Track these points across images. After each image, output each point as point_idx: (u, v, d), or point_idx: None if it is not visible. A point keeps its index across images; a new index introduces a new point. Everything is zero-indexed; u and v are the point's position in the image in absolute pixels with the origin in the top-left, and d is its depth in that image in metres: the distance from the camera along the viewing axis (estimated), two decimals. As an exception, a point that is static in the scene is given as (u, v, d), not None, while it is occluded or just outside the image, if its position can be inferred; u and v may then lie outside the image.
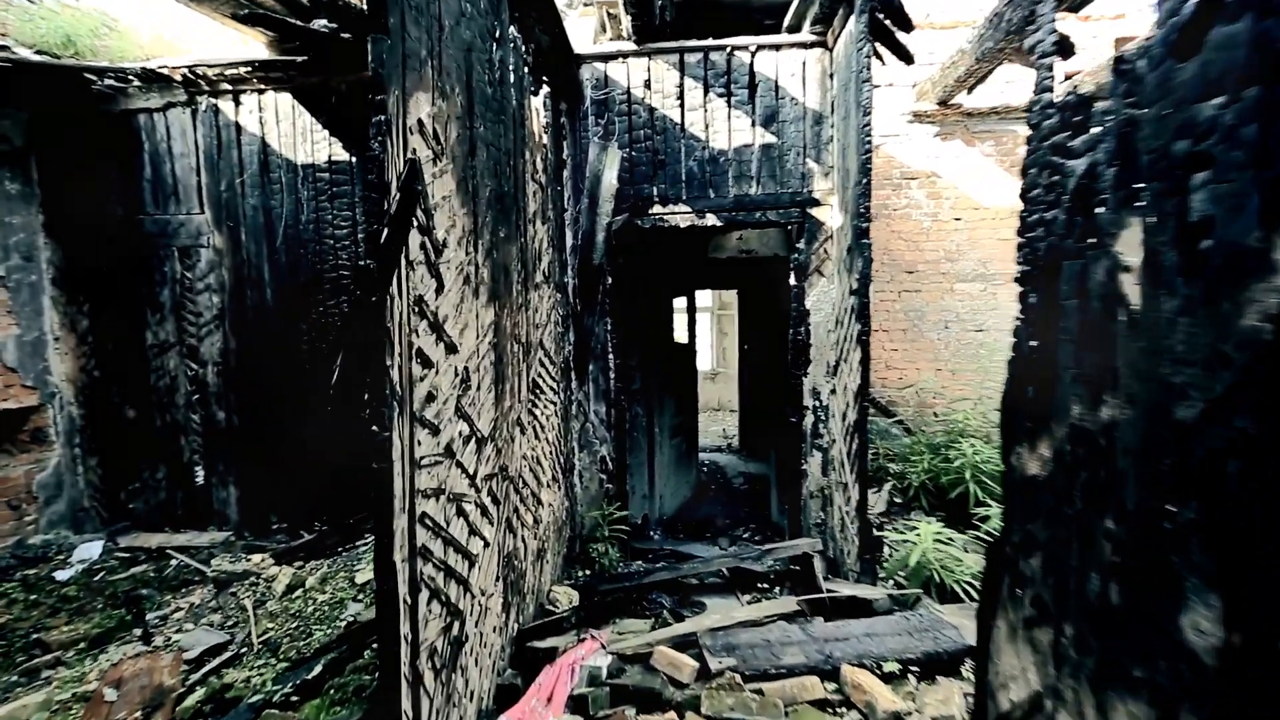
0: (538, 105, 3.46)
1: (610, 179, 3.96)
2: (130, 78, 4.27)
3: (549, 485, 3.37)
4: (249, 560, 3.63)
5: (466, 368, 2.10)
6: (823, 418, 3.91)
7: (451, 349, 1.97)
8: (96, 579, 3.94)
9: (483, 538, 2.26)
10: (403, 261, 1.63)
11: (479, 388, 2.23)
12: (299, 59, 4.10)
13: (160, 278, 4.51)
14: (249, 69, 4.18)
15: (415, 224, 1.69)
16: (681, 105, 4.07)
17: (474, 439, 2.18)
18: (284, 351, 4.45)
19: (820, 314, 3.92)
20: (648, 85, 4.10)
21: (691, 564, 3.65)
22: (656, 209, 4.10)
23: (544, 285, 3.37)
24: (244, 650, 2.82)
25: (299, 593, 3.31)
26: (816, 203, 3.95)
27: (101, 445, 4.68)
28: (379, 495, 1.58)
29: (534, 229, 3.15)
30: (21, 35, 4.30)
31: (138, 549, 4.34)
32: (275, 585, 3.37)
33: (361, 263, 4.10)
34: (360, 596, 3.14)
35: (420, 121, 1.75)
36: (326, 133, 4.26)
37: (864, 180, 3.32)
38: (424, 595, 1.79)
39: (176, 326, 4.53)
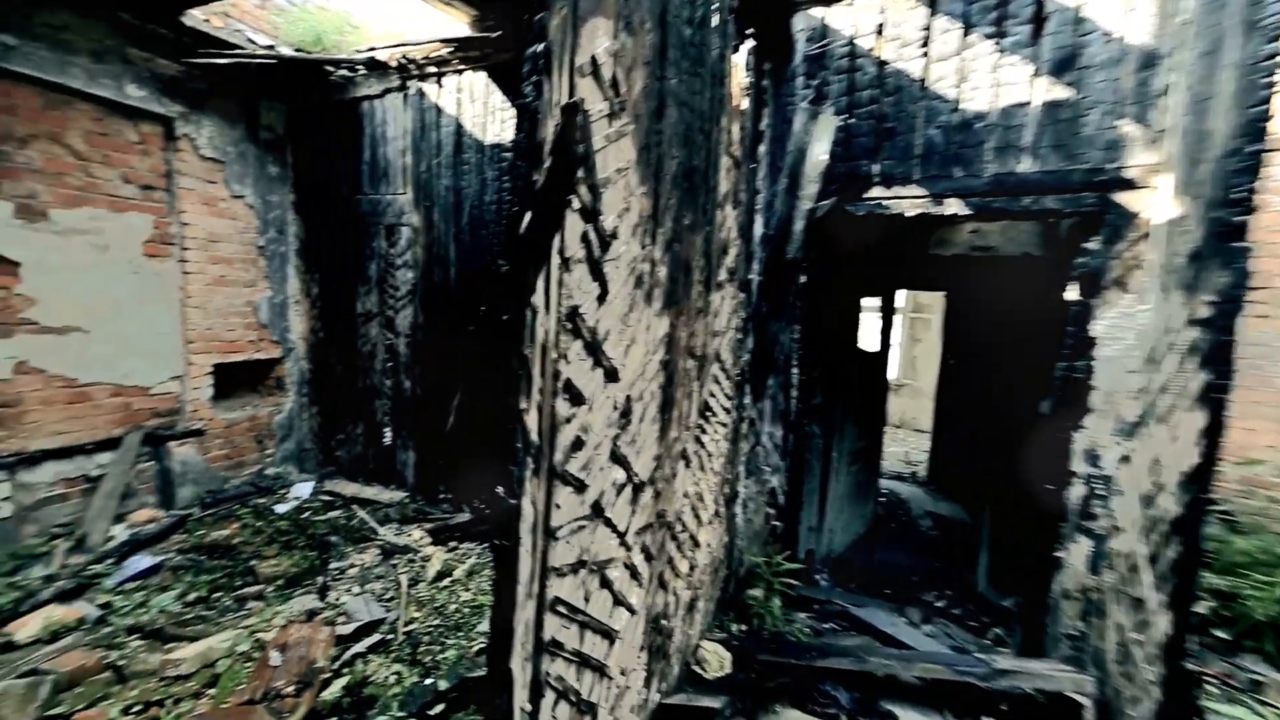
0: (738, 62, 2.80)
1: (819, 154, 3.16)
2: (357, 66, 4.58)
3: (709, 523, 2.80)
4: (410, 535, 3.73)
5: (628, 396, 1.59)
6: (1101, 492, 2.72)
7: (611, 376, 1.46)
8: (303, 516, 4.42)
9: (629, 607, 1.78)
10: (554, 259, 1.14)
11: (641, 419, 1.72)
12: (494, 34, 3.98)
13: (369, 252, 4.87)
14: (450, 49, 4.18)
15: (575, 204, 1.18)
16: (925, 54, 3.07)
17: (629, 486, 1.68)
18: (461, 330, 4.51)
19: (1117, 346, 2.69)
20: (879, 32, 3.17)
21: (882, 657, 2.80)
22: (876, 192, 3.19)
23: (727, 284, 2.76)
24: (389, 636, 2.77)
25: (446, 581, 3.26)
26: (1130, 184, 2.68)
27: (320, 397, 5.30)
28: (499, 582, 1.14)
29: (723, 215, 2.53)
30: (284, 36, 4.86)
31: (335, 494, 4.83)
32: (429, 567, 3.37)
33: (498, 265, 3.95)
34: (499, 606, 2.96)
35: (594, 61, 1.22)
36: (514, 111, 4.11)
37: (1247, 148, 2.07)
38: (548, 700, 1.34)
39: (379, 298, 4.87)
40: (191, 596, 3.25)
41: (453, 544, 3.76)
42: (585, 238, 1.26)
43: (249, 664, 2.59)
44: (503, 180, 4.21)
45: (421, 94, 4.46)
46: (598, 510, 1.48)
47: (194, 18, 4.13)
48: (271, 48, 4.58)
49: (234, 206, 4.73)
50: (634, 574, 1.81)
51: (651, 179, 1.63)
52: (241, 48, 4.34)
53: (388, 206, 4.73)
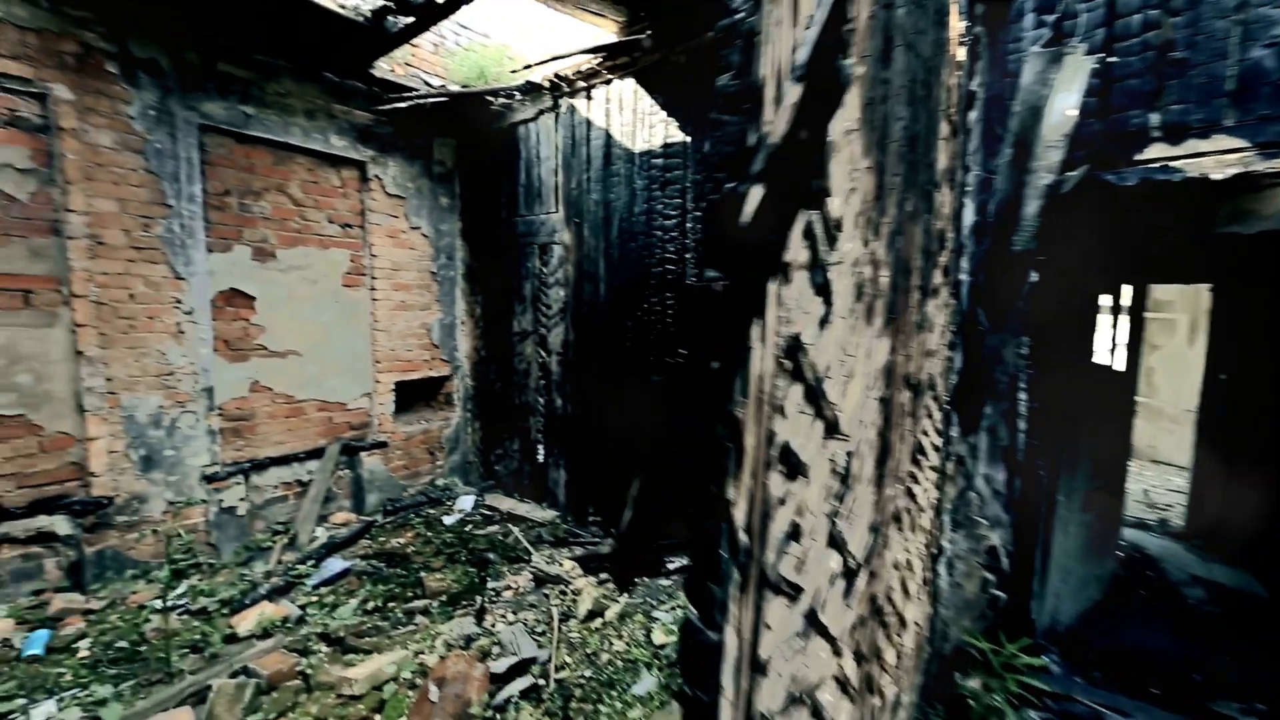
0: None
1: (1064, 108, 2.37)
2: (514, 93, 4.71)
3: (917, 596, 2.17)
4: (561, 564, 3.59)
5: (848, 453, 1.13)
6: None
7: (832, 428, 1.02)
8: (465, 530, 4.58)
9: (838, 734, 1.29)
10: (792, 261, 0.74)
11: (858, 481, 1.24)
12: (644, 36, 3.76)
13: (524, 272, 4.97)
14: (599, 59, 4.07)
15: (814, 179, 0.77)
16: (1243, -53, 2.14)
17: (844, 574, 1.21)
18: (611, 347, 4.35)
19: None
20: (1156, -68, 2.29)
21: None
22: (1155, 151, 2.30)
23: (941, 289, 2.14)
24: (540, 681, 2.58)
25: (598, 623, 3.02)
26: None
27: (481, 413, 5.55)
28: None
29: (940, 197, 1.94)
30: (452, 75, 5.21)
31: (493, 509, 4.96)
32: (579, 603, 3.18)
33: (689, 280, 3.66)
34: (654, 664, 2.61)
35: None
36: (663, 115, 3.86)
37: None
38: None
39: (533, 317, 4.94)
40: (370, 606, 3.43)
41: (603, 575, 3.54)
42: (810, 230, 0.84)
43: (411, 691, 2.57)
44: (651, 189, 3.97)
45: (572, 110, 4.43)
46: (812, 618, 1.04)
47: (381, 69, 4.56)
48: (443, 87, 4.92)
49: (412, 237, 5.15)
50: (845, 688, 1.32)
51: (875, 148, 1.16)
52: (418, 90, 4.71)
53: (541, 225, 4.79)
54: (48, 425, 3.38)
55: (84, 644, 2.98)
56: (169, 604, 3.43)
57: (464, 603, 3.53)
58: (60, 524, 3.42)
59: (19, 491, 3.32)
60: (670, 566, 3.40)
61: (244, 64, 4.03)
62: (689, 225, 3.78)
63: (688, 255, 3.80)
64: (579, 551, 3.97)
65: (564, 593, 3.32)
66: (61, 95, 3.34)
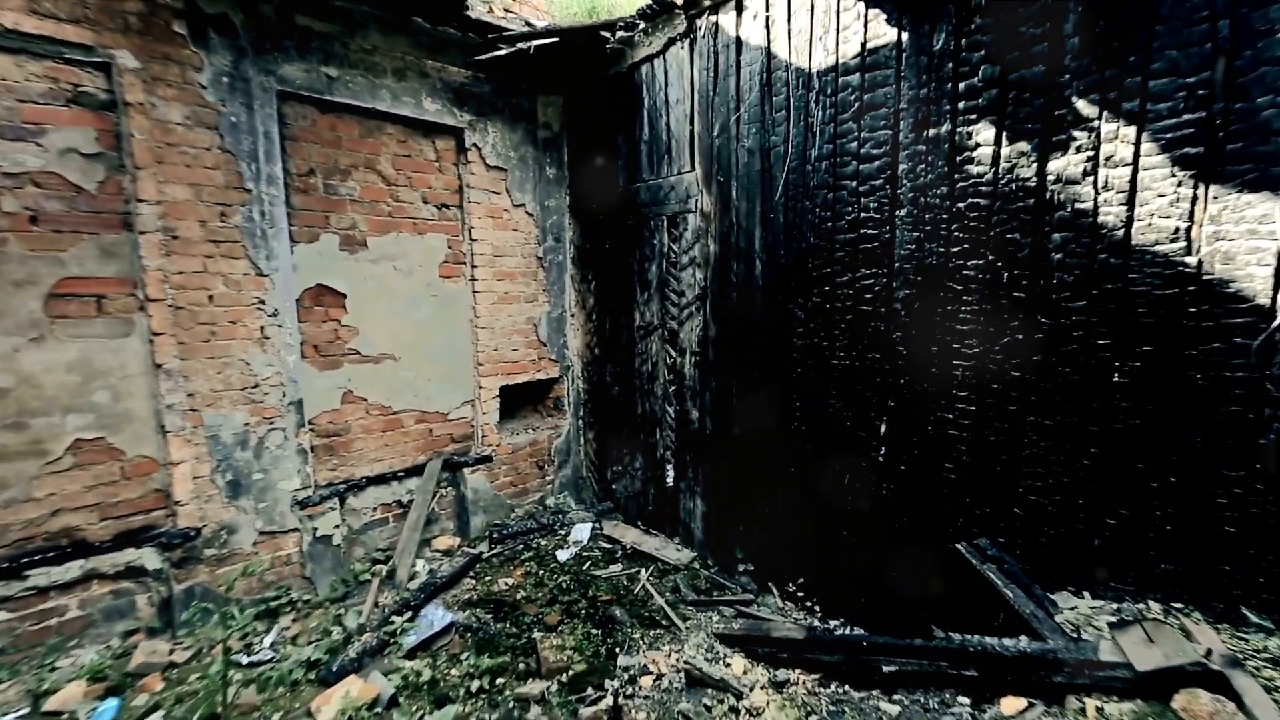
0: None
1: None
2: (636, 21, 3.68)
3: None
4: (726, 665, 2.58)
5: None
6: None
7: None
8: (583, 569, 3.75)
9: None
10: None
11: None
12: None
13: (649, 252, 3.98)
14: (760, -55, 2.91)
15: None
16: None
17: None
18: (770, 346, 3.24)
19: None
20: None
21: None
22: None
23: None
24: None
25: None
26: None
27: (596, 421, 4.69)
28: None
29: None
30: (556, 15, 4.29)
31: (614, 541, 4.09)
32: (760, 733, 2.14)
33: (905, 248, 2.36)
34: None
35: None
36: (860, 6, 2.63)
37: None
38: None
39: (660, 307, 3.95)
40: (474, 685, 2.67)
41: (786, 672, 2.49)
42: None
43: None
44: (840, 121, 2.76)
45: (715, 31, 3.31)
46: None
47: (478, 10, 3.73)
48: (549, 26, 4.01)
49: (515, 216, 4.36)
50: None
51: None
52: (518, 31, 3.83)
53: (669, 192, 3.75)
54: (129, 449, 2.95)
55: (156, 718, 2.48)
56: (254, 658, 2.90)
57: (589, 687, 2.66)
58: (149, 558, 3.01)
59: (104, 524, 2.92)
60: (887, 670, 2.27)
61: (325, 15, 3.36)
62: (902, 167, 2.54)
63: (901, 212, 2.56)
64: (739, 626, 2.94)
65: (735, 711, 2.31)
66: (126, 64, 2.82)
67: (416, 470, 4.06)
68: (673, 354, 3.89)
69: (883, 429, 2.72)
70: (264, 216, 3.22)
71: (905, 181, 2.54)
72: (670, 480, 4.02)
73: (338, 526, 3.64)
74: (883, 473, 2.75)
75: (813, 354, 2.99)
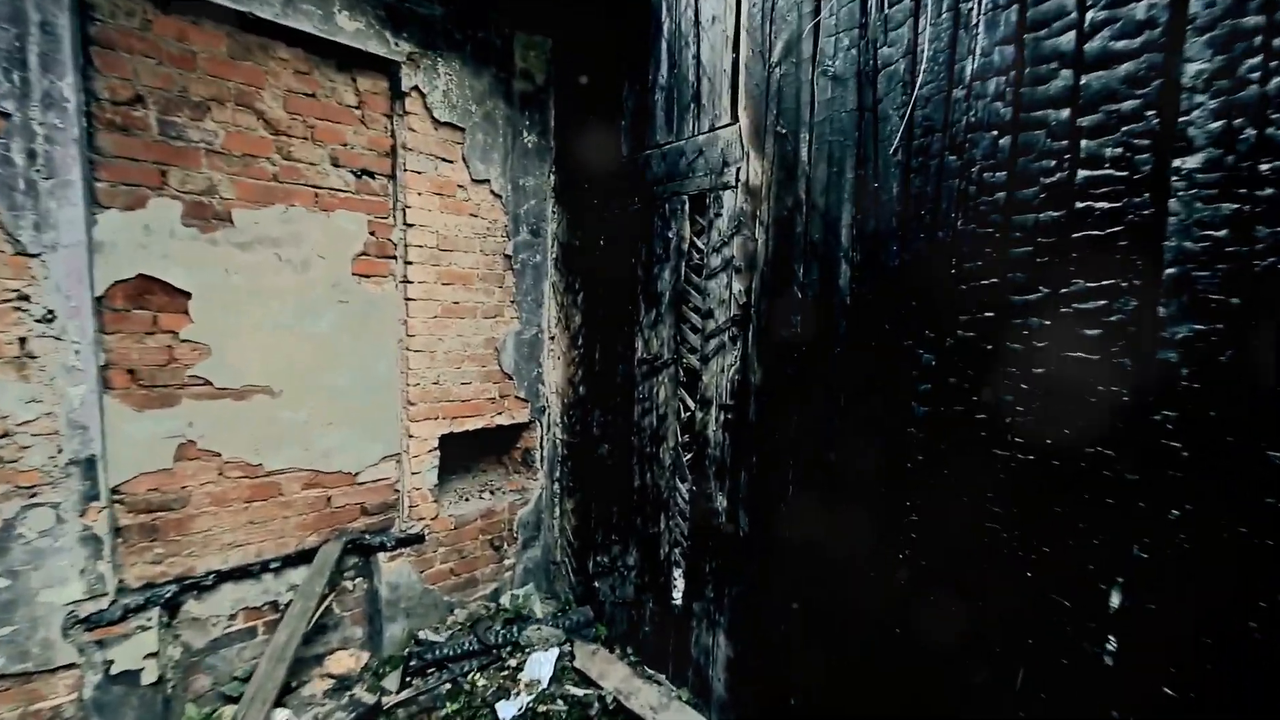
0: None
1: None
2: (656, -104, 2.44)
3: None
4: None
5: None
6: None
7: None
8: (538, 736, 2.36)
9: None
10: None
11: None
12: None
13: (660, 250, 2.67)
14: None
15: None
16: None
17: None
18: (862, 409, 1.89)
19: None
20: None
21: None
22: None
23: None
24: None
25: None
26: None
27: (578, 485, 3.34)
28: None
29: None
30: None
31: (590, 684, 2.69)
32: None
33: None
34: None
35: None
36: None
37: None
38: None
39: (673, 333, 2.62)
40: None
41: None
42: None
43: None
44: (1027, 7, 1.46)
45: (782, -113, 2.05)
46: None
47: (419, -118, 2.52)
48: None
49: (475, 197, 3.08)
50: None
51: None
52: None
53: (695, 158, 2.46)
54: None
55: None
56: None
57: None
58: None
59: None
60: None
61: None
62: (1195, 69, 1.21)
63: (1191, 163, 1.23)
64: None
65: None
66: None
67: (304, 557, 2.72)
68: (690, 404, 2.55)
69: (1115, 601, 1.34)
70: (32, 159, 1.96)
71: (1202, 99, 1.20)
72: (678, 596, 2.63)
73: (153, 655, 2.30)
74: (1113, 688, 1.36)
75: (954, 431, 1.63)
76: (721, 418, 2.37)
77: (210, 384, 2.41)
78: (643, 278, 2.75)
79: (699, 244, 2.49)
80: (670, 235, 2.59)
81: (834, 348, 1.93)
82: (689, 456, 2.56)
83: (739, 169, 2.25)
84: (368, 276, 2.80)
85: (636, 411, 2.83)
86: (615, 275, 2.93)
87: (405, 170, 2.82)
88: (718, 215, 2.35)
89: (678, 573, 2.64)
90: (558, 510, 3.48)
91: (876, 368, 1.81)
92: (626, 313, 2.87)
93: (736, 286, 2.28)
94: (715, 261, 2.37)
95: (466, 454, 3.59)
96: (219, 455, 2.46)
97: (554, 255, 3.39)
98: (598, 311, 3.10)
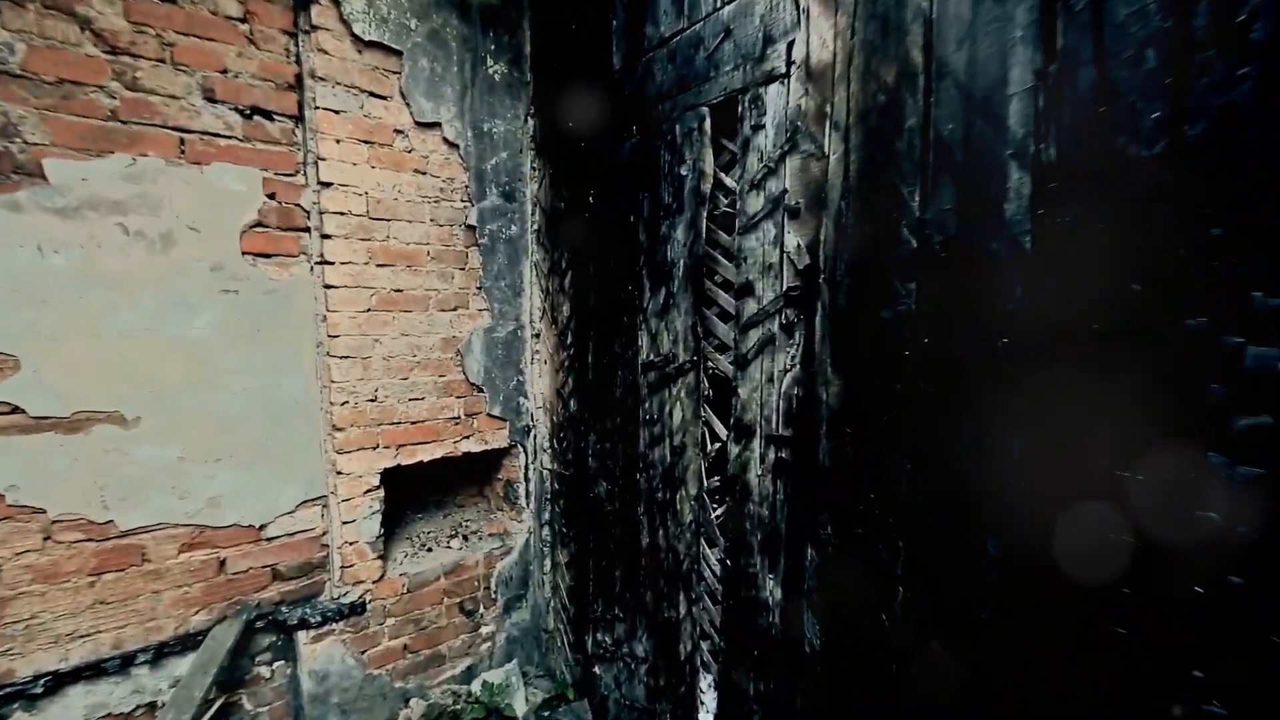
0: None
1: None
2: None
3: None
4: None
5: None
6: None
7: None
8: None
9: None
10: None
11: None
12: None
13: (669, 200, 1.77)
14: None
15: None
16: None
17: None
18: (1046, 459, 0.95)
19: None
20: None
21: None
22: None
23: None
24: None
25: None
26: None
27: (572, 530, 2.48)
28: None
29: None
30: None
31: (584, 842, 1.84)
32: None
33: None
34: None
35: None
36: None
37: None
38: None
39: (692, 321, 1.72)
40: None
41: None
42: None
43: None
44: None
45: None
46: None
47: None
48: None
49: (421, 146, 2.26)
50: None
51: None
52: None
53: (719, 44, 1.55)
54: None
55: None
56: None
57: None
58: None
59: None
60: None
61: None
62: None
63: None
64: None
65: None
66: None
67: (192, 641, 1.97)
68: (719, 432, 1.65)
69: None
70: None
71: None
72: (710, 711, 1.74)
73: (-63, 811, 1.57)
74: None
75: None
76: (771, 455, 1.46)
77: (21, 411, 1.67)
78: (645, 244, 1.86)
79: (727, 182, 1.58)
80: (683, 172, 1.69)
81: (998, 338, 1.00)
82: (720, 512, 1.66)
83: (792, 43, 1.33)
84: (267, 256, 2.01)
85: (643, 439, 1.94)
86: (610, 244, 2.05)
87: (316, 108, 2.02)
88: (757, 128, 1.44)
89: (706, 682, 1.74)
90: (548, 562, 2.63)
91: (1110, 379, 0.87)
92: (625, 296, 1.99)
93: (792, 240, 1.37)
94: (755, 204, 1.46)
95: (435, 485, 2.79)
96: (42, 512, 1.71)
97: (535, 226, 2.54)
98: (589, 297, 2.23)
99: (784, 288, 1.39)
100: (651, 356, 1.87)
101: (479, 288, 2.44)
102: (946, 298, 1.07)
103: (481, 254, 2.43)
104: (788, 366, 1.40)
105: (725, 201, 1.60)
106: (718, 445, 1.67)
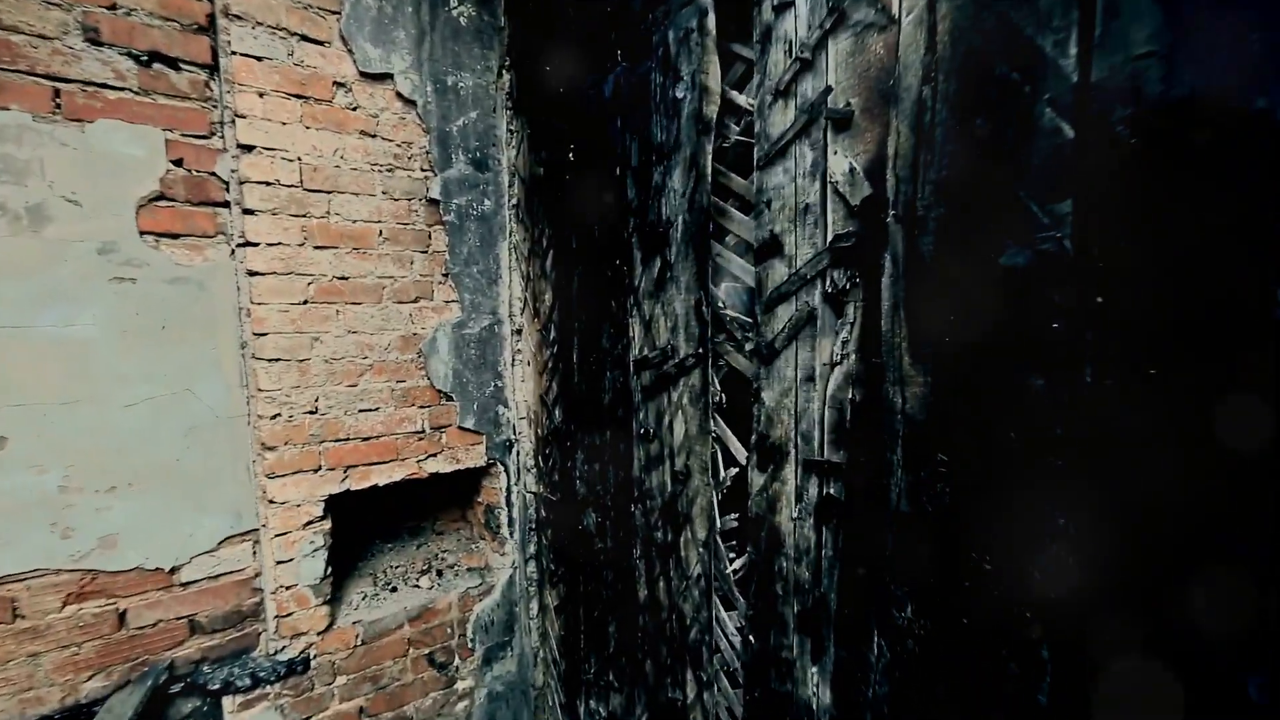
0: None
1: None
2: None
3: None
4: None
5: None
6: None
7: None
8: None
9: None
10: None
11: None
12: None
13: (662, 135, 1.30)
14: None
15: None
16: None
17: None
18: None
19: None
20: None
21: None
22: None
23: None
24: None
25: None
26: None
27: (560, 569, 2.03)
28: None
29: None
30: None
31: None
32: None
33: None
34: None
35: None
36: None
37: None
38: None
39: (695, 299, 1.26)
40: None
41: None
42: None
43: None
44: None
45: None
46: None
47: None
48: None
49: (369, 102, 1.86)
50: None
51: None
52: None
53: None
54: None
55: None
56: None
57: None
58: None
59: None
60: None
61: None
62: None
63: None
64: None
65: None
66: None
67: (81, 714, 1.58)
68: (736, 452, 1.18)
69: None
70: None
71: None
72: (729, 837, 1.26)
73: None
74: None
75: None
76: (812, 490, 0.98)
77: None
78: (635, 201, 1.40)
79: (739, 100, 1.12)
80: (679, 94, 1.23)
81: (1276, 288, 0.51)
82: (739, 564, 1.19)
83: None
84: (173, 237, 1.63)
85: (637, 459, 1.48)
86: (593, 209, 1.61)
87: (232, 54, 1.63)
88: (783, 6, 0.97)
89: (725, 797, 1.26)
90: (535, 604, 2.18)
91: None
92: (613, 274, 1.53)
93: (841, 163, 0.89)
94: (782, 120, 0.98)
95: (410, 509, 2.39)
96: (-126, 562, 1.35)
97: (513, 200, 2.11)
98: (572, 280, 1.78)
99: (828, 238, 0.92)
100: (645, 351, 1.41)
101: (445, 274, 2.02)
102: (1143, 219, 0.58)
103: (448, 234, 2.01)
104: (837, 358, 0.92)
105: (738, 129, 1.14)
106: (735, 471, 1.20)
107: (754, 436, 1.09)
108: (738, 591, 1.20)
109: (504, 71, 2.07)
